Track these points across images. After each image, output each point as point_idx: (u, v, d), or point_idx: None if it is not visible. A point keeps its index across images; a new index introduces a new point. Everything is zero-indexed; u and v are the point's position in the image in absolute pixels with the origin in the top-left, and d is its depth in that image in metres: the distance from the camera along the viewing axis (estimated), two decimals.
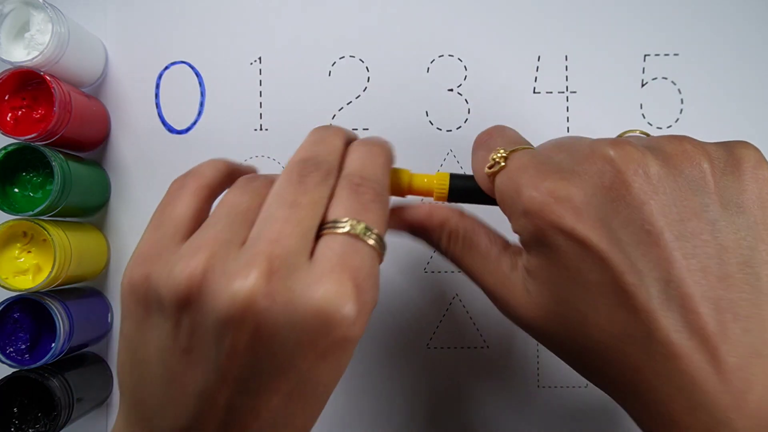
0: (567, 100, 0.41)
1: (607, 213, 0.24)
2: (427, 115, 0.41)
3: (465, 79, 0.41)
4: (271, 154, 0.41)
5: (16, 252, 0.36)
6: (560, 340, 0.26)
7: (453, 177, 0.30)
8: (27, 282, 0.35)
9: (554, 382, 0.40)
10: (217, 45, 0.41)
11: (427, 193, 0.30)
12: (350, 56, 0.41)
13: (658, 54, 0.41)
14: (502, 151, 0.27)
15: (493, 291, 0.28)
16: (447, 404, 0.41)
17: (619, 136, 0.27)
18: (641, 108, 0.41)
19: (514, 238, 0.28)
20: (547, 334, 0.26)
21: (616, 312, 0.24)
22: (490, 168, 0.27)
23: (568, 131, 0.41)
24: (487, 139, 0.30)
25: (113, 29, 0.42)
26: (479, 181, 0.29)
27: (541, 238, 0.25)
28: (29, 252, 0.36)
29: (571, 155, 0.26)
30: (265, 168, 0.41)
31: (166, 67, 0.42)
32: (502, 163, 0.27)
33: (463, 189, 0.30)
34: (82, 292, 0.40)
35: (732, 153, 0.25)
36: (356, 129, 0.41)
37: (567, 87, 0.41)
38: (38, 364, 0.35)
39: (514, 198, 0.26)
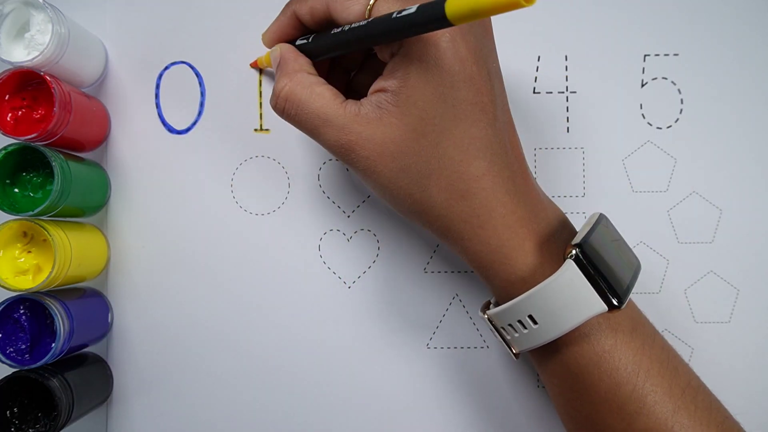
0: (567, 100, 0.41)
1: (483, 42, 0.31)
2: None
3: None
4: (271, 155, 0.41)
5: (16, 252, 0.36)
6: (405, 184, 0.31)
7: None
8: (27, 282, 0.35)
9: None
10: (217, 45, 0.41)
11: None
12: None
13: (658, 54, 0.41)
14: None
15: (341, 135, 0.31)
16: (447, 404, 0.40)
17: None
18: (641, 108, 0.41)
19: None
20: (395, 178, 0.31)
21: (474, 128, 0.30)
22: None
23: (568, 131, 0.41)
24: None
25: (113, 29, 0.42)
26: (345, 13, 0.31)
27: (425, 51, 0.29)
28: (29, 252, 0.36)
29: None
30: (265, 169, 0.41)
31: (166, 67, 0.42)
32: None
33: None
34: (82, 292, 0.40)
35: None
36: None
37: (567, 87, 0.41)
38: (38, 364, 0.35)
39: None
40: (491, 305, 0.34)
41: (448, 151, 0.30)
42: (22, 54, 0.35)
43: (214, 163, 0.41)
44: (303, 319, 0.41)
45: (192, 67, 0.42)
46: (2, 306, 0.35)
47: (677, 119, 0.41)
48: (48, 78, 0.35)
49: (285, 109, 0.33)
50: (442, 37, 0.29)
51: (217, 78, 0.41)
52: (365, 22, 0.30)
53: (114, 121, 0.42)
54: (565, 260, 0.30)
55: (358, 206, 0.41)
